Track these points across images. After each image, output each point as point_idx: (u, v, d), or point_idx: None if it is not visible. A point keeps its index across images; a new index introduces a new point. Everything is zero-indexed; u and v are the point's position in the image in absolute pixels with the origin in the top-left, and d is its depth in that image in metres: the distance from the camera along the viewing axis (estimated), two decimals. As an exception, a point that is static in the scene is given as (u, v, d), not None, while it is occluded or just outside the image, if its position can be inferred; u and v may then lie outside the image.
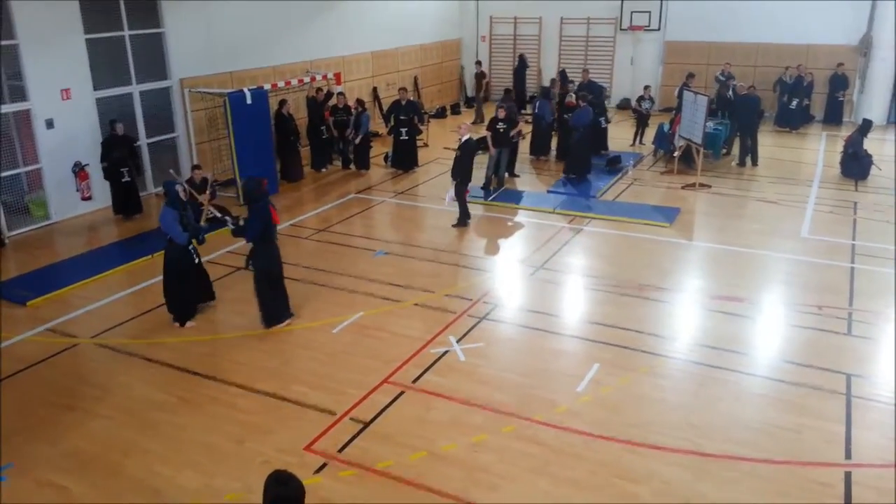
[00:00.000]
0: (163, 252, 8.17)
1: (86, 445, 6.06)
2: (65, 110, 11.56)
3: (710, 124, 14.85)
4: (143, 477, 5.66)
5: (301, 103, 14.99)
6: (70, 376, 7.18)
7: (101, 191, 12.14)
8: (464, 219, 11.52)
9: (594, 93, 16.06)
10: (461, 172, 11.27)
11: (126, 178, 11.79)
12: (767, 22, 19.53)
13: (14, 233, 11.16)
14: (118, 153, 11.63)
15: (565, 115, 15.21)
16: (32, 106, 11.20)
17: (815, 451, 5.89)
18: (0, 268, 9.92)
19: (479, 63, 21.51)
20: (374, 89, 18.82)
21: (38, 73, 11.14)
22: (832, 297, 8.74)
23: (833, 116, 19.15)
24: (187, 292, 8.20)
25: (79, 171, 11.74)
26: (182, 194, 7.97)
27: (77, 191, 11.83)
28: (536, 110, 15.65)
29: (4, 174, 11.06)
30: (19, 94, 11.12)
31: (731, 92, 16.34)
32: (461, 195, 11.41)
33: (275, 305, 8.12)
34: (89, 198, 11.96)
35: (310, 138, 14.89)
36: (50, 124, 11.41)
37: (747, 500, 5.31)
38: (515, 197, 13.09)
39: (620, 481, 5.53)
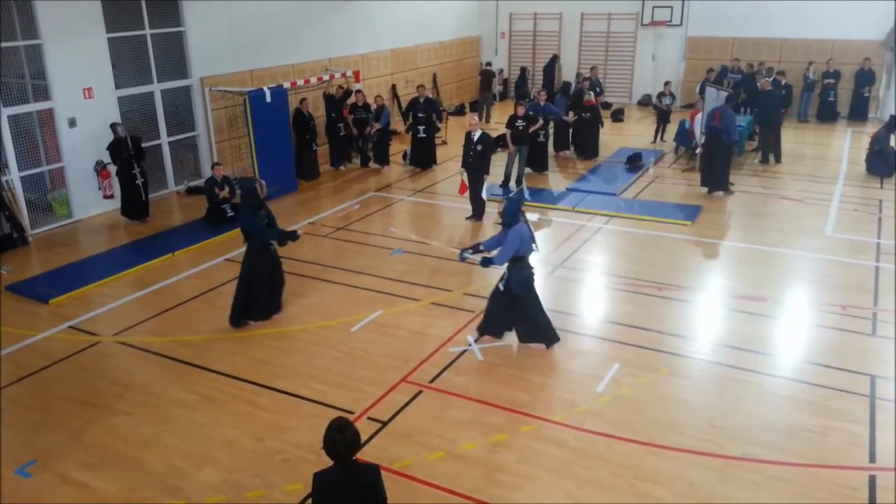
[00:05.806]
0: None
1: (107, 441, 6.11)
2: (87, 109, 11.65)
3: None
4: (163, 472, 5.69)
5: (320, 101, 15.00)
6: (92, 373, 7.23)
7: (123, 189, 12.26)
8: (479, 213, 11.52)
9: (595, 89, 16.44)
10: (484, 167, 11.27)
11: (140, 180, 11.57)
12: (793, 17, 19.23)
13: (37, 231, 11.27)
14: (127, 154, 11.43)
15: (583, 114, 15.32)
16: (55, 105, 11.31)
17: (840, 453, 5.80)
18: (24, 265, 10.05)
19: (489, 64, 21.13)
20: (393, 87, 18.81)
21: (61, 72, 11.24)
22: (856, 296, 8.59)
23: (859, 112, 18.85)
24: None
25: (101, 169, 11.81)
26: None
27: (99, 189, 11.92)
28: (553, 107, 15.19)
29: (28, 172, 11.19)
30: (42, 93, 11.24)
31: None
32: (480, 189, 11.38)
33: (243, 307, 7.95)
34: (111, 196, 12.03)
35: (328, 136, 14.90)
36: (72, 123, 11.52)
37: (771, 504, 5.24)
38: (535, 195, 13.02)
39: (643, 483, 5.47)
